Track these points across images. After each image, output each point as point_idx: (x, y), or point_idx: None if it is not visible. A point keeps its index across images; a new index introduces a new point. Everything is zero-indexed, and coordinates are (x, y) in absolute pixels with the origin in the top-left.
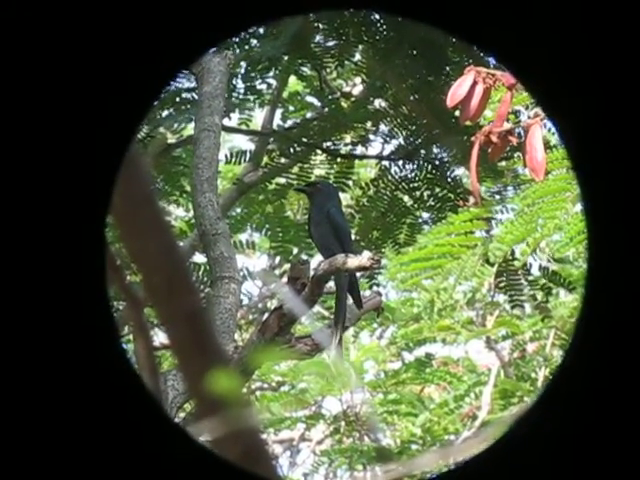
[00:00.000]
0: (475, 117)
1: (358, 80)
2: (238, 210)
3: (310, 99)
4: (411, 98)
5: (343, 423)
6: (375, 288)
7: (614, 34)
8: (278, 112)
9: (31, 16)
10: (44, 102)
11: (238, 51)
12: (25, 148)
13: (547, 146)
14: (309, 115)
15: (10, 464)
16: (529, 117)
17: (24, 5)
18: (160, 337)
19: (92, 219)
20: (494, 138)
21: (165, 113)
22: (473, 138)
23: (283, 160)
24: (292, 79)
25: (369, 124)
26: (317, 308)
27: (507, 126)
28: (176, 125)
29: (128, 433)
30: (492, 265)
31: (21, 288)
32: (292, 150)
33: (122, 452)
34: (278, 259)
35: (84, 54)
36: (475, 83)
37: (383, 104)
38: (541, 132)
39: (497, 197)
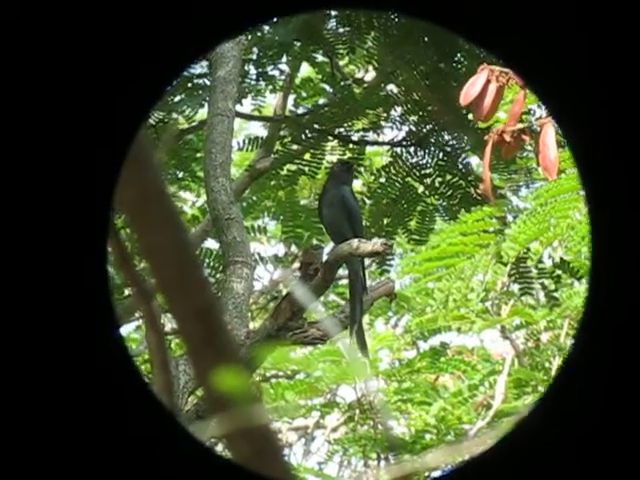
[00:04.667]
0: (488, 116)
1: (370, 66)
2: (250, 196)
3: (322, 85)
4: (422, 84)
5: (357, 411)
6: (387, 275)
7: (620, 34)
8: (291, 98)
9: (39, 9)
10: (57, 90)
11: (250, 37)
12: (35, 133)
13: (560, 145)
14: (321, 101)
15: (4, 458)
16: (540, 117)
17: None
18: (170, 322)
19: (96, 209)
20: (507, 137)
21: (178, 99)
22: (486, 137)
23: (295, 147)
24: (304, 65)
25: (380, 109)
26: (332, 297)
27: (520, 125)
28: (189, 110)
29: (125, 428)
30: (505, 264)
31: (20, 278)
32: (304, 137)
33: (117, 446)
34: (294, 248)
35: (92, 48)
36: (488, 82)
37: (394, 90)
38: (554, 131)
39: (510, 196)
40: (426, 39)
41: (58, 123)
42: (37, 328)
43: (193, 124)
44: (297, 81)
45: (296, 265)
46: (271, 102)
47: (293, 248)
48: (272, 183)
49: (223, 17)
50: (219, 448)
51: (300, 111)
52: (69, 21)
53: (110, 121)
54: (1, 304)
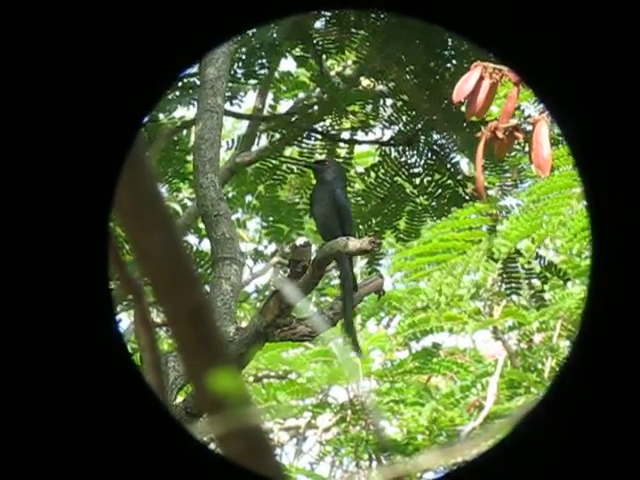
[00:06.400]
0: (481, 112)
1: (349, 60)
2: (230, 190)
3: (302, 78)
4: (411, 83)
5: (349, 412)
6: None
7: (620, 31)
8: (270, 93)
9: (36, 13)
10: (53, 95)
11: (239, 36)
12: (33, 139)
13: (553, 142)
14: (305, 96)
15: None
16: (531, 115)
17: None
18: (160, 316)
19: (96, 210)
20: (500, 134)
21: (167, 98)
22: (479, 134)
23: (279, 143)
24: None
25: (369, 108)
26: (323, 299)
27: (513, 122)
28: (178, 107)
29: (125, 426)
30: (496, 261)
31: (22, 279)
32: (292, 134)
33: (117, 445)
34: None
35: (89, 53)
36: (482, 78)
37: (382, 88)
38: (547, 128)
39: (500, 196)
40: (415, 38)
41: (58, 128)
42: (37, 325)
43: (179, 122)
44: (276, 74)
45: (275, 259)
46: (250, 97)
47: (287, 249)
48: (252, 178)
49: (217, 21)
50: (211, 447)
51: (280, 105)
52: (68, 29)
53: (109, 125)
54: (2, 302)
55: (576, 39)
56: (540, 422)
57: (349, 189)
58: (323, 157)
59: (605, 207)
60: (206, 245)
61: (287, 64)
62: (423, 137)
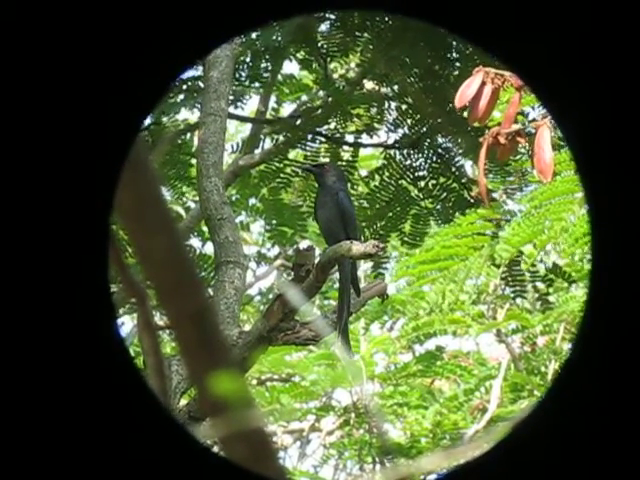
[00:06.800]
0: (484, 117)
1: (354, 64)
2: (234, 193)
3: (305, 81)
4: (415, 86)
5: (353, 415)
6: (380, 277)
7: (623, 36)
8: (273, 95)
9: (38, 12)
10: (53, 95)
11: (243, 39)
12: (34, 141)
13: (555, 147)
14: (309, 99)
15: (2, 456)
16: (535, 119)
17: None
18: (161, 317)
19: (97, 212)
20: (502, 139)
21: (171, 102)
22: (481, 139)
23: (283, 146)
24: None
25: (374, 111)
26: (327, 302)
27: (515, 127)
28: (182, 111)
29: (128, 430)
30: (498, 267)
31: (23, 283)
32: (296, 137)
33: (120, 449)
34: (290, 250)
35: (88, 54)
36: (484, 83)
37: (386, 91)
38: (549, 133)
39: (503, 200)
40: (419, 41)
41: (57, 129)
42: (39, 329)
43: (183, 126)
44: (279, 77)
45: (279, 262)
46: (254, 100)
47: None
48: (256, 181)
49: (219, 21)
50: (214, 450)
51: (283, 108)
52: (67, 29)
53: (109, 126)
54: (4, 306)
55: (580, 43)
56: (540, 423)
57: (353, 192)
58: (323, 161)
59: (606, 212)
60: (209, 248)
61: (290, 67)
62: (428, 140)
